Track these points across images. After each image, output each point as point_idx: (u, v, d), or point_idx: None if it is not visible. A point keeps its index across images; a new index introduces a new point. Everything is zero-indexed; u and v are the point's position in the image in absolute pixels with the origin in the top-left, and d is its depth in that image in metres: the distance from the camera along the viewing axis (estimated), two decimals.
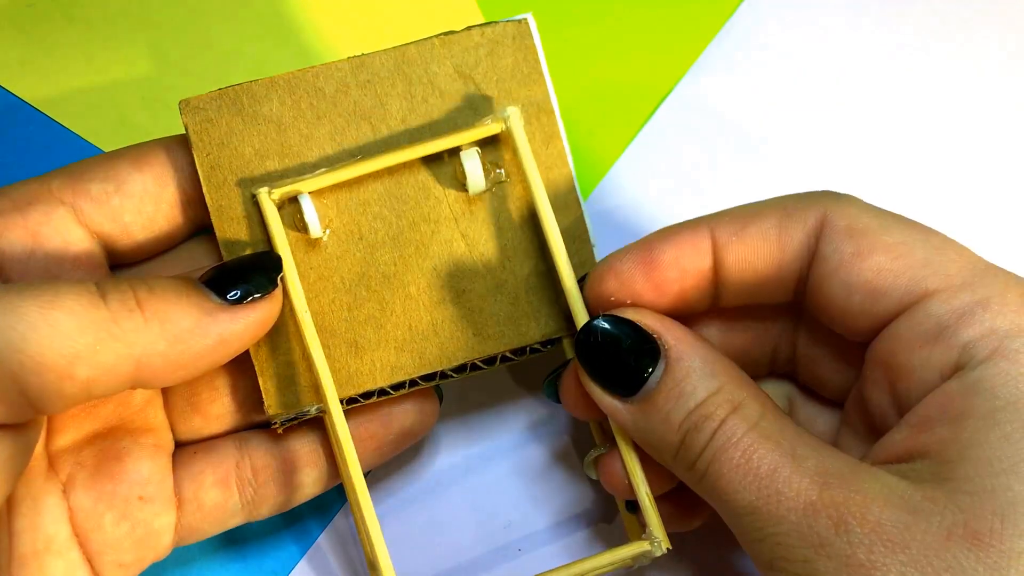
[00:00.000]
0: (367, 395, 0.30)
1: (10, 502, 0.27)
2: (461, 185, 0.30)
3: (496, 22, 0.30)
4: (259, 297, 0.26)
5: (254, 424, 0.31)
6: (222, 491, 0.29)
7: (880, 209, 0.27)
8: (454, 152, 0.30)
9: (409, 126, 0.30)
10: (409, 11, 0.39)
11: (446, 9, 0.39)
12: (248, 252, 0.29)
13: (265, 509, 0.30)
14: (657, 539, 0.28)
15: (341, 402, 0.29)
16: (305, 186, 0.29)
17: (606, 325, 0.27)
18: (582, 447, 0.34)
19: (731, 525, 0.25)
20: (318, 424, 0.30)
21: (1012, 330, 0.24)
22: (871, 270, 0.26)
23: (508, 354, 0.30)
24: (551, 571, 0.28)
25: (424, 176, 0.30)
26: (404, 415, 0.30)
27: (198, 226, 0.31)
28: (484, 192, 0.30)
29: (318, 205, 0.29)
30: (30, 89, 0.37)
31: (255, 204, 0.29)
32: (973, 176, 0.38)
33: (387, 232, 0.30)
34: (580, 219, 0.31)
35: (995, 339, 0.24)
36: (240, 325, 0.26)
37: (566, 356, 0.31)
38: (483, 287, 0.30)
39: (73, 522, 0.28)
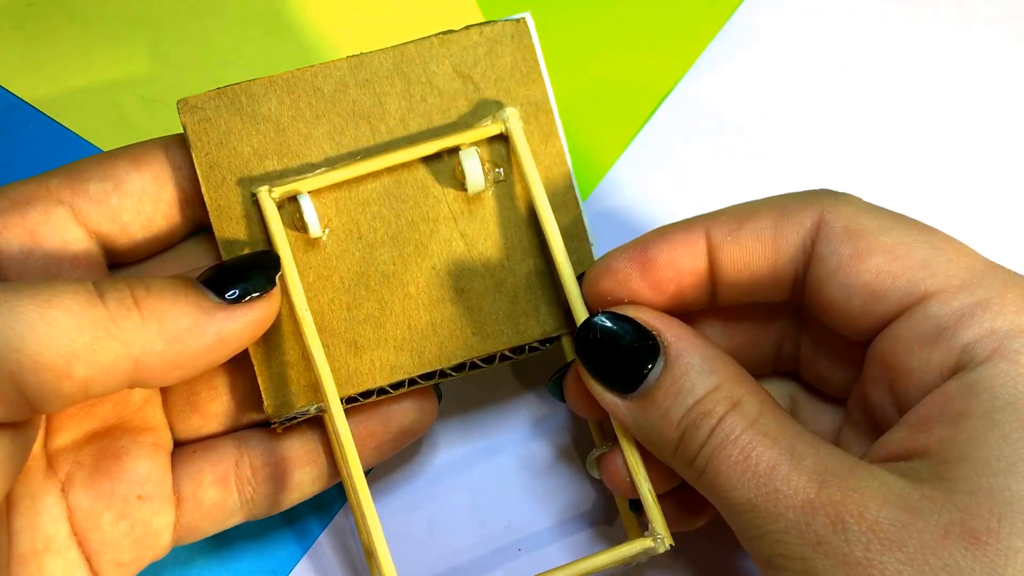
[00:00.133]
0: (366, 394, 0.30)
1: (9, 501, 0.27)
2: (460, 184, 0.30)
3: (495, 21, 0.30)
4: (257, 296, 0.26)
5: (253, 423, 0.31)
6: (221, 490, 0.29)
7: (878, 208, 0.26)
8: (453, 151, 0.30)
9: (408, 125, 0.30)
10: (408, 10, 0.39)
11: (445, 8, 0.39)
12: (246, 251, 0.29)
13: (264, 508, 0.30)
14: (660, 535, 0.28)
15: (341, 401, 0.29)
16: (304, 185, 0.29)
17: (606, 322, 0.27)
18: (582, 445, 0.34)
19: (730, 522, 0.25)
20: (317, 423, 0.30)
21: (1012, 330, 0.24)
22: (870, 272, 0.25)
23: (507, 353, 0.30)
24: (551, 571, 0.28)
25: (423, 175, 0.30)
26: (403, 414, 0.31)
27: (197, 225, 0.31)
28: (483, 191, 0.30)
29: (317, 204, 0.29)
30: (30, 89, 0.37)
31: (254, 203, 0.29)
32: (973, 176, 0.38)
33: (386, 231, 0.30)
34: (578, 218, 0.31)
35: (995, 340, 0.24)
36: (238, 324, 0.26)
37: (565, 354, 0.31)
38: (482, 286, 0.30)
39: (72, 521, 0.28)
